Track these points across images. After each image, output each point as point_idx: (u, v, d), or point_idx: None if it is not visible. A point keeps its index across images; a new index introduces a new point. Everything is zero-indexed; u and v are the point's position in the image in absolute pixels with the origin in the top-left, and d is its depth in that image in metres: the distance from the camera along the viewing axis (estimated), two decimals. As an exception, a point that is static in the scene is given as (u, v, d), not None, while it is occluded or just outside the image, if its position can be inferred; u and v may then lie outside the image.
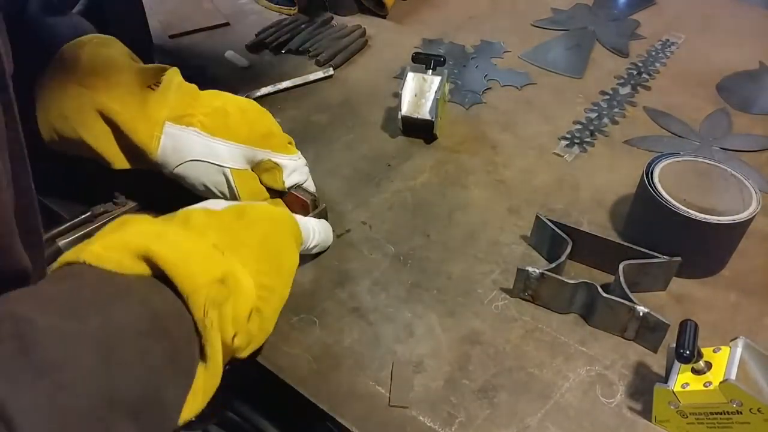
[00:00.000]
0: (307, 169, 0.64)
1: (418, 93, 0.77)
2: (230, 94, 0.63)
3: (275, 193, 0.64)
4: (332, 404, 0.50)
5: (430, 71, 0.78)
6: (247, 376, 0.75)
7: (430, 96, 0.76)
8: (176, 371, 0.38)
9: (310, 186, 0.65)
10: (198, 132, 0.59)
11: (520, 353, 0.55)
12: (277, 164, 0.61)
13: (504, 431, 0.49)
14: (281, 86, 0.88)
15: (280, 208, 0.56)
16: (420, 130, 0.79)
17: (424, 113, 0.76)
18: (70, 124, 0.58)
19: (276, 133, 0.62)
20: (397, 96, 0.77)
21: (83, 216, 0.64)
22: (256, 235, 0.48)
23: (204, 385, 0.41)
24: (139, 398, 0.34)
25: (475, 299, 0.59)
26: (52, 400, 0.29)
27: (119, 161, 0.61)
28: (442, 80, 0.77)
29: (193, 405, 0.40)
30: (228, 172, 0.59)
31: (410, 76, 0.78)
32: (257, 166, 0.62)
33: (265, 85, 0.88)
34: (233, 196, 0.60)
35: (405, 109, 0.77)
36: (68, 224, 0.63)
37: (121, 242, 0.39)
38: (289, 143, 0.64)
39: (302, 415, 0.54)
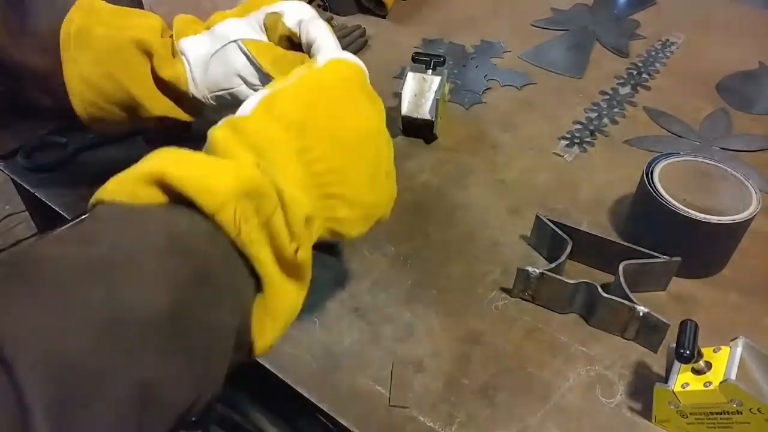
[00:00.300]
0: (310, 9, 0.58)
1: (418, 93, 0.77)
2: None
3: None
4: (332, 404, 0.50)
5: (430, 71, 0.78)
6: (247, 376, 0.75)
7: (430, 96, 0.76)
8: (214, 291, 0.33)
9: (320, 26, 0.57)
10: (203, 33, 0.58)
11: (520, 353, 0.55)
12: (277, 12, 0.58)
13: (504, 431, 0.49)
14: (281, 86, 0.88)
15: (318, 68, 0.47)
16: (420, 130, 0.79)
17: (424, 113, 0.76)
18: (106, 70, 0.55)
19: None
20: (397, 96, 0.77)
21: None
22: (294, 120, 0.42)
23: (270, 307, 0.37)
24: (160, 315, 0.29)
25: (475, 299, 0.59)
26: (49, 326, 0.26)
27: (160, 104, 0.58)
28: (442, 80, 0.77)
29: (264, 333, 0.37)
30: (241, 44, 0.57)
31: (410, 76, 0.78)
32: (269, 32, 0.58)
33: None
34: (260, 73, 0.57)
35: (405, 109, 0.77)
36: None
37: (135, 172, 0.36)
38: None
39: (302, 415, 0.54)
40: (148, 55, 0.56)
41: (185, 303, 0.31)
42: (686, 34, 1.05)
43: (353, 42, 0.98)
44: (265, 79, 0.57)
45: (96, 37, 0.54)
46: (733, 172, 0.61)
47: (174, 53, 0.57)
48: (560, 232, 0.61)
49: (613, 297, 0.54)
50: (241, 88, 0.58)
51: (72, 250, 0.30)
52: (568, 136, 0.81)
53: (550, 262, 0.61)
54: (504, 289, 0.60)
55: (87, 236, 0.32)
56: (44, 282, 0.27)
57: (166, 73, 0.56)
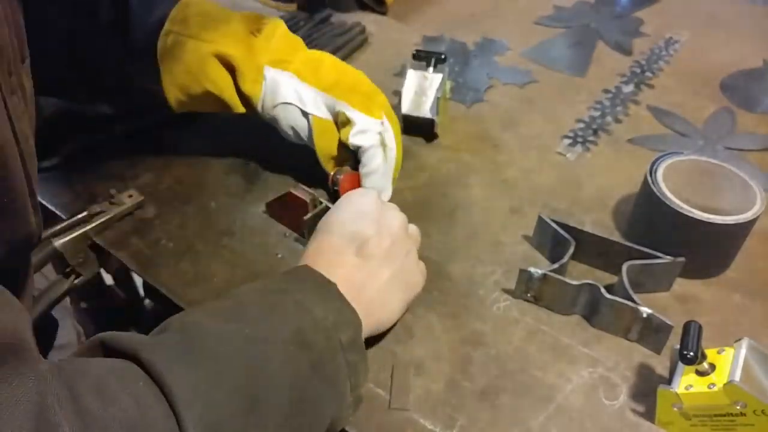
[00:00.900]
0: (378, 137, 0.62)
1: (419, 91, 0.76)
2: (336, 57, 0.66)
3: (350, 158, 0.66)
4: (331, 406, 0.50)
5: (431, 69, 0.78)
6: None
7: (431, 94, 0.76)
8: (321, 380, 0.42)
9: (389, 164, 0.64)
10: (291, 75, 0.62)
11: (522, 355, 0.54)
12: (350, 119, 0.62)
13: (505, 434, 0.48)
14: (281, 84, 0.88)
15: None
16: (421, 129, 0.78)
17: (425, 111, 0.76)
18: (194, 77, 0.62)
19: (363, 91, 0.64)
20: (398, 94, 0.77)
21: (80, 216, 0.63)
22: None
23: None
24: (286, 403, 0.39)
25: (476, 300, 0.59)
26: (206, 384, 0.35)
27: (240, 106, 0.64)
28: (443, 78, 0.76)
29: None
30: (310, 118, 0.63)
31: (411, 73, 0.77)
32: (337, 119, 0.63)
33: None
34: (312, 144, 0.64)
35: (405, 108, 0.76)
36: (65, 224, 0.62)
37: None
38: (382, 109, 0.64)
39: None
40: (230, 68, 0.62)
41: (301, 390, 0.40)
42: (690, 32, 1.04)
43: (353, 39, 0.98)
44: (311, 144, 0.65)
45: (187, 50, 0.61)
46: (738, 172, 0.61)
47: (258, 70, 0.62)
48: (563, 232, 0.60)
49: (617, 298, 0.54)
50: (290, 133, 0.65)
51: (228, 328, 0.40)
52: (571, 134, 0.80)
53: (553, 263, 0.61)
54: (506, 290, 0.59)
55: (237, 317, 0.42)
56: (206, 355, 0.37)
57: (246, 89, 0.63)
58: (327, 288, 0.47)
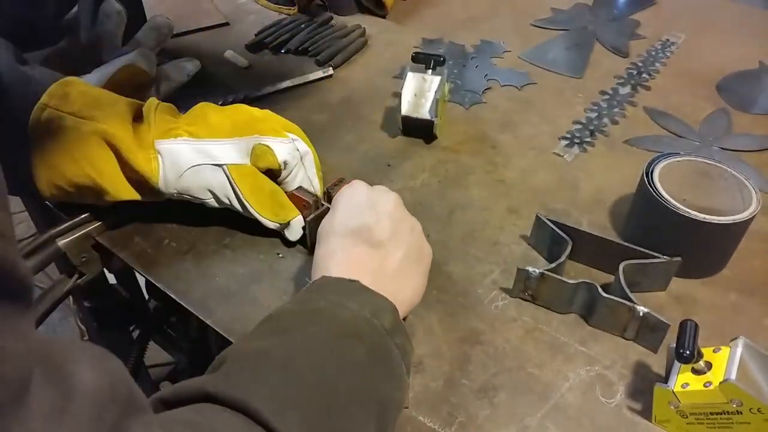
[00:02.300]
0: (297, 152, 0.63)
1: (418, 93, 0.77)
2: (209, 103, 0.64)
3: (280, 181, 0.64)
4: (332, 404, 0.50)
5: (430, 71, 0.78)
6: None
7: (430, 96, 0.76)
8: (380, 365, 0.43)
9: (310, 169, 0.64)
10: (185, 139, 0.59)
11: (520, 353, 0.55)
12: (268, 146, 0.60)
13: (504, 431, 0.49)
14: (281, 86, 0.88)
15: None
16: (420, 130, 0.78)
17: (424, 113, 0.76)
18: (71, 157, 0.56)
19: (260, 118, 0.62)
20: (397, 96, 0.77)
21: (82, 216, 0.64)
22: None
23: None
24: (356, 392, 0.40)
25: (474, 299, 0.59)
26: (287, 393, 0.37)
27: (126, 192, 0.59)
28: (441, 80, 0.77)
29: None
30: (225, 168, 0.59)
31: (410, 75, 0.77)
32: (253, 158, 0.61)
33: (265, 85, 0.88)
34: (237, 197, 0.60)
35: (405, 109, 0.77)
36: (67, 224, 0.63)
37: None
38: (279, 125, 0.63)
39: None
40: (113, 147, 0.56)
41: (367, 378, 0.41)
42: (686, 34, 1.05)
43: (353, 42, 0.98)
44: (237, 200, 0.60)
45: (65, 128, 0.55)
46: (733, 172, 0.61)
47: (149, 147, 0.58)
48: (560, 232, 0.61)
49: (613, 297, 0.54)
50: (210, 201, 0.61)
51: (286, 343, 0.41)
52: (568, 135, 0.81)
53: (550, 262, 0.61)
54: (504, 289, 0.60)
55: (282, 331, 0.43)
56: (268, 365, 0.39)
57: (141, 168, 0.57)
58: (350, 285, 0.47)
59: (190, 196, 0.60)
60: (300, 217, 0.63)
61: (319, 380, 0.39)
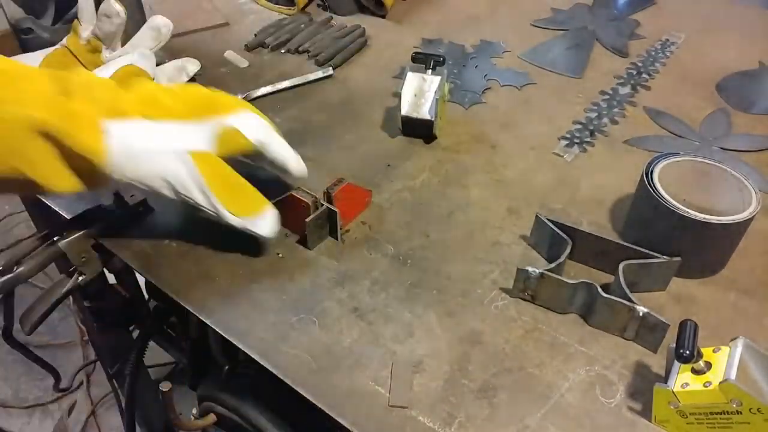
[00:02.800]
0: (270, 126, 0.57)
1: (418, 93, 0.77)
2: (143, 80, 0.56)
3: (278, 192, 0.62)
4: (332, 404, 0.50)
5: (430, 71, 0.78)
6: (247, 376, 0.75)
7: (430, 96, 0.76)
8: None
9: (281, 147, 0.58)
10: (140, 120, 0.51)
11: (520, 353, 0.55)
12: (234, 128, 0.54)
13: (504, 431, 0.49)
14: (281, 86, 0.88)
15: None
16: (420, 130, 0.78)
17: (424, 113, 0.76)
18: None
19: (215, 97, 0.56)
20: (397, 96, 0.77)
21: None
22: None
23: None
24: None
25: (474, 299, 0.59)
26: None
27: (66, 183, 0.51)
28: (441, 80, 0.77)
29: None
30: (187, 156, 0.52)
31: (410, 75, 0.78)
32: (221, 145, 0.54)
33: (265, 85, 0.88)
34: (201, 189, 0.53)
35: (405, 109, 0.77)
36: (67, 224, 0.63)
37: None
38: (237, 103, 0.57)
39: (302, 415, 0.54)
40: (46, 134, 0.48)
41: None
42: (686, 34, 1.05)
43: (353, 42, 0.98)
44: (198, 192, 0.53)
45: None
46: (733, 172, 0.61)
47: (93, 126, 0.50)
48: (560, 232, 0.61)
49: (613, 297, 0.54)
50: (164, 192, 0.53)
51: None
52: (568, 136, 0.81)
53: (550, 262, 0.61)
54: (504, 289, 0.60)
55: None
56: None
57: (84, 151, 0.49)
58: None
59: (142, 184, 0.53)
60: (273, 210, 0.58)
61: None
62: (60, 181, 0.50)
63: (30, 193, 0.54)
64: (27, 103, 0.47)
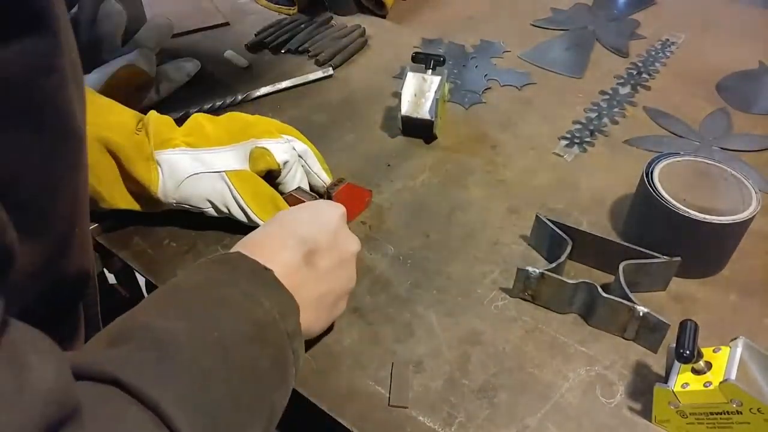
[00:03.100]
0: (294, 151, 0.64)
1: (418, 93, 0.77)
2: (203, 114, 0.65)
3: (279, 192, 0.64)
4: (331, 404, 0.50)
5: (430, 71, 0.78)
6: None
7: (430, 96, 0.76)
8: (277, 371, 0.42)
9: (314, 165, 0.66)
10: (183, 149, 0.60)
11: (520, 353, 0.55)
12: (265, 148, 0.61)
13: (504, 431, 0.49)
14: (281, 86, 0.88)
15: None
16: (420, 130, 0.79)
17: (424, 113, 0.76)
18: None
19: (254, 123, 0.64)
20: (397, 96, 0.77)
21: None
22: None
23: None
24: (256, 400, 0.39)
25: (474, 299, 0.59)
26: (197, 400, 0.34)
27: (123, 200, 0.60)
28: (441, 80, 0.77)
29: None
30: (224, 175, 0.60)
31: (410, 75, 0.78)
32: (252, 161, 0.62)
33: (265, 85, 0.88)
34: (238, 204, 0.60)
35: (405, 109, 0.77)
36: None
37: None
38: (272, 127, 0.64)
39: (302, 415, 0.54)
40: (114, 155, 0.58)
41: (265, 387, 0.40)
42: (686, 34, 1.05)
43: (353, 42, 0.98)
44: (237, 207, 0.61)
45: None
46: (733, 172, 0.61)
47: (148, 157, 0.59)
48: (560, 232, 0.61)
49: (613, 297, 0.54)
50: (208, 210, 0.62)
51: (197, 334, 0.38)
52: (568, 136, 0.81)
53: (550, 262, 0.61)
54: (504, 289, 0.60)
55: (189, 314, 0.40)
56: (188, 368, 0.36)
57: (140, 176, 0.59)
58: (264, 274, 0.44)
59: (189, 205, 0.61)
60: None
61: (227, 389, 0.37)
62: (119, 199, 0.60)
63: (94, 206, 0.60)
64: (108, 129, 0.57)
